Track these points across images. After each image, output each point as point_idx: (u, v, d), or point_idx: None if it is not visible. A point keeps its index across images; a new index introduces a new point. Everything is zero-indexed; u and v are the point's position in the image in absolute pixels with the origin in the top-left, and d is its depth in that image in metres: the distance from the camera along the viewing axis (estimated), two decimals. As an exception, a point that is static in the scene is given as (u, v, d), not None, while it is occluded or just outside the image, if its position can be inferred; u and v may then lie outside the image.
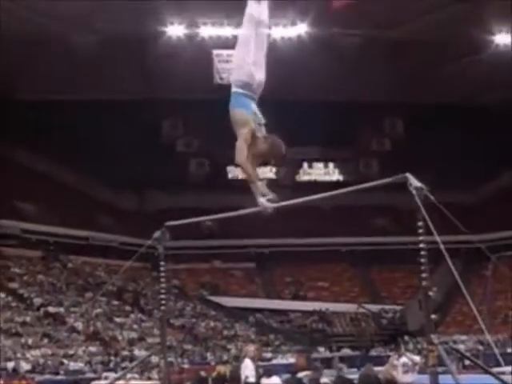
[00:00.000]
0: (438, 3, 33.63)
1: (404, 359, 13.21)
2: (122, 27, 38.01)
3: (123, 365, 28.09)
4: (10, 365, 26.34)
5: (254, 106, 7.05)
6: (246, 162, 6.68)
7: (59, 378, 26.54)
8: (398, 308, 42.52)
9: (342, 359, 31.11)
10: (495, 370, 6.42)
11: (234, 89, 7.21)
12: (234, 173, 54.01)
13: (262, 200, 6.66)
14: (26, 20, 35.66)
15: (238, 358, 28.34)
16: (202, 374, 20.86)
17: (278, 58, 42.11)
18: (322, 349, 36.76)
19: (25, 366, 26.72)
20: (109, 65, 41.17)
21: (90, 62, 40.10)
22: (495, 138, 45.37)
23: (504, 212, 44.84)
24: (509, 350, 31.25)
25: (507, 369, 6.22)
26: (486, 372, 6.18)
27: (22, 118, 41.13)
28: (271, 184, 52.76)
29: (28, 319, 32.28)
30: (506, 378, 6.08)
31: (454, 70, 42.44)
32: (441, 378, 6.01)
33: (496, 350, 6.76)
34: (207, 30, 40.79)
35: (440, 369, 6.01)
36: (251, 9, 7.56)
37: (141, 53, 41.35)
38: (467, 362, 20.53)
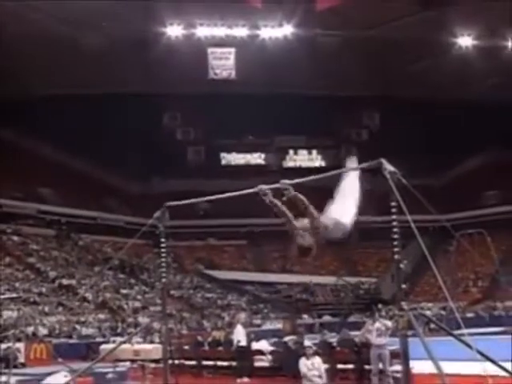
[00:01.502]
0: (407, 10, 33.73)
1: (378, 324, 13.23)
2: (126, 28, 37.79)
3: (129, 330, 28.21)
4: (30, 329, 26.58)
5: None
6: None
7: (72, 341, 26.69)
8: (373, 280, 42.76)
9: (323, 325, 31.26)
10: (456, 332, 6.46)
11: None
12: (226, 159, 54.08)
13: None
14: (35, 22, 35.36)
15: (231, 325, 28.49)
16: (199, 338, 20.89)
17: (266, 55, 42.21)
18: (305, 316, 36.92)
19: (42, 331, 26.94)
20: (114, 62, 40.92)
21: (98, 60, 39.85)
22: (458, 130, 45.43)
23: (466, 194, 45.10)
24: (468, 315, 31.56)
25: (466, 331, 6.26)
26: (449, 334, 6.22)
27: (39, 113, 40.95)
28: (260, 170, 53.07)
29: (44, 290, 32.38)
30: (465, 338, 6.12)
31: (423, 69, 42.60)
32: (410, 340, 6.05)
33: (457, 315, 6.78)
34: (203, 30, 40.59)
35: (409, 332, 6.05)
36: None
37: (143, 51, 41.11)
38: (433, 326, 20.64)
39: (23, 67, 38.77)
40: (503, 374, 6.26)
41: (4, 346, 21.94)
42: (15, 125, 42.55)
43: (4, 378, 14.11)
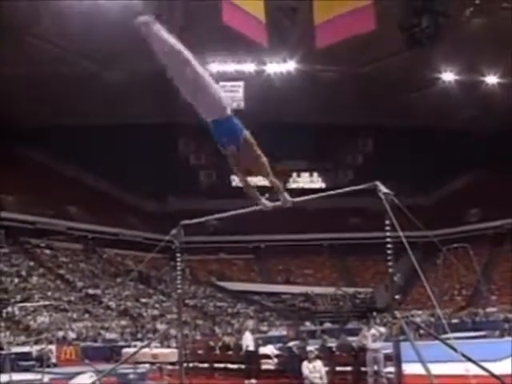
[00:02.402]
0: (396, 48, 33.99)
1: (373, 331, 13.20)
2: (145, 63, 37.99)
3: (148, 336, 28.12)
4: (61, 333, 26.68)
5: None
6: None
7: (98, 345, 26.67)
8: (369, 290, 42.49)
9: (323, 331, 31.07)
10: (443, 336, 6.47)
11: (230, 113, 5.96)
12: (236, 181, 54.10)
13: (263, 201, 6.62)
14: (62, 60, 35.81)
15: (240, 331, 28.37)
16: (211, 343, 20.84)
17: (272, 88, 42.40)
18: (307, 323, 36.72)
19: (71, 335, 26.98)
20: (135, 95, 41.16)
21: (121, 93, 40.10)
22: (446, 154, 45.51)
23: (451, 212, 44.99)
24: (453, 321, 31.38)
25: (452, 335, 6.27)
26: (436, 338, 6.23)
27: (68, 139, 41.20)
28: (266, 191, 52.82)
29: (73, 298, 32.40)
30: (450, 342, 6.12)
31: (411, 100, 42.80)
32: (402, 344, 6.05)
33: (444, 321, 6.80)
34: (215, 66, 40.82)
35: (401, 337, 6.05)
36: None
37: (160, 85, 41.27)
38: (422, 332, 20.54)
39: (55, 98, 39.07)
40: (484, 373, 6.26)
41: (38, 347, 22.02)
42: (47, 149, 42.89)
43: (39, 376, 14.16)
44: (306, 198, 7.61)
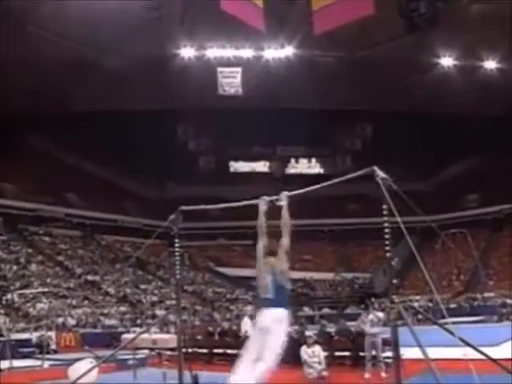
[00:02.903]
0: (395, 33, 33.85)
1: (371, 316, 13.21)
2: (145, 50, 37.93)
3: (147, 321, 28.20)
4: (60, 320, 26.72)
5: None
6: None
7: (97, 331, 26.76)
8: (367, 275, 42.60)
9: (322, 316, 31.18)
10: (441, 321, 6.48)
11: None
12: (234, 167, 54.07)
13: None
14: (62, 47, 35.72)
15: (239, 317, 28.46)
16: (210, 329, 20.86)
17: (269, 74, 42.28)
18: (306, 308, 36.83)
19: (71, 322, 27.06)
20: (134, 82, 41.04)
21: (120, 80, 39.98)
22: (444, 139, 45.45)
23: (449, 198, 45.03)
24: (451, 306, 31.51)
25: (450, 320, 6.28)
26: (434, 323, 6.24)
27: (66, 126, 41.13)
28: (265, 176, 52.99)
29: (72, 285, 32.46)
30: (448, 326, 6.14)
31: (409, 85, 42.70)
32: (400, 329, 6.07)
33: (442, 306, 6.83)
34: (213, 52, 40.69)
35: (399, 322, 6.07)
36: None
37: (160, 71, 41.19)
38: (420, 316, 20.61)
39: (55, 86, 38.95)
40: (482, 357, 6.28)
41: (38, 334, 22.10)
42: (46, 137, 42.79)
43: (39, 362, 14.21)
44: (306, 190, 7.62)
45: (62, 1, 30.97)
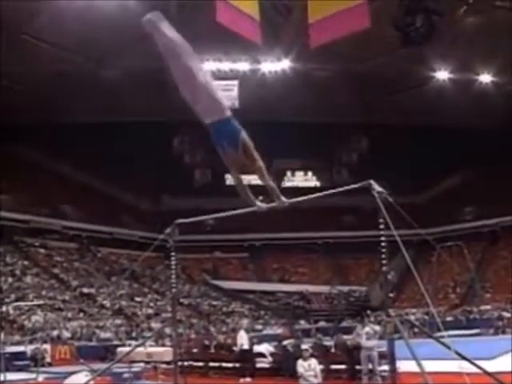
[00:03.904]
0: (390, 47, 34.00)
1: (367, 329, 13.23)
2: (142, 62, 38.06)
3: (142, 335, 28.11)
4: (55, 333, 26.55)
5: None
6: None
7: (92, 344, 26.64)
8: (363, 288, 42.54)
9: (318, 330, 31.12)
10: (437, 334, 6.49)
11: (229, 115, 5.94)
12: (230, 180, 54.02)
13: (258, 203, 6.59)
14: (58, 58, 35.80)
15: (235, 330, 28.39)
16: (206, 342, 20.83)
17: (266, 87, 42.41)
18: (302, 321, 36.75)
19: (66, 334, 26.89)
20: (130, 94, 41.14)
21: (115, 92, 40.07)
22: (440, 152, 45.57)
23: (445, 210, 45.10)
24: (448, 319, 31.52)
25: (446, 333, 6.29)
26: (430, 337, 6.25)
27: (63, 138, 41.12)
28: (261, 189, 52.99)
29: (67, 297, 32.32)
30: (444, 340, 6.15)
31: (405, 99, 42.89)
32: (396, 342, 6.07)
33: (438, 319, 6.82)
34: (209, 65, 40.80)
35: (396, 335, 6.07)
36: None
37: (156, 83, 41.31)
38: (416, 330, 20.59)
39: (51, 96, 39.03)
40: (478, 371, 6.29)
41: (33, 347, 22.01)
42: (42, 148, 42.78)
43: (34, 375, 14.14)
44: (301, 198, 7.61)
45: (59, 10, 31.02)
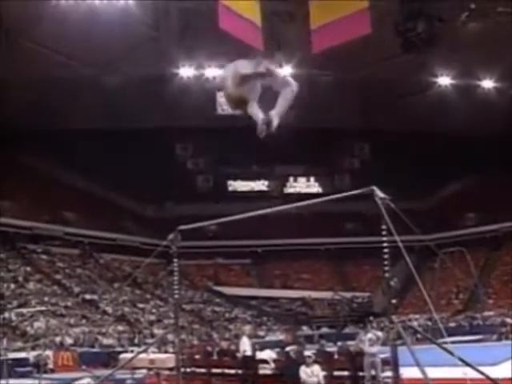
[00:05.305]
0: (392, 53, 34.04)
1: (370, 335, 13.20)
2: (144, 69, 38.18)
3: (145, 341, 28.07)
4: (58, 339, 26.55)
5: None
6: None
7: (95, 350, 26.64)
8: (366, 295, 42.44)
9: (321, 336, 31.07)
10: (440, 340, 6.47)
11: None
12: (233, 186, 54.05)
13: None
14: (59, 64, 35.91)
15: (237, 336, 28.33)
16: (208, 348, 20.78)
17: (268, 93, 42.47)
18: (305, 328, 36.69)
19: (68, 340, 26.90)
20: (132, 100, 41.24)
21: (117, 98, 40.17)
22: (442, 158, 45.53)
23: (447, 216, 45.05)
24: (451, 325, 31.45)
25: (449, 339, 6.28)
26: (433, 343, 6.24)
27: (64, 145, 41.17)
28: (264, 195, 52.87)
29: (69, 304, 32.30)
30: (447, 346, 6.13)
31: (407, 104, 42.94)
32: (399, 348, 6.07)
33: (441, 325, 6.82)
34: (211, 71, 40.89)
35: (398, 342, 6.06)
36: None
37: (158, 90, 41.41)
38: (419, 336, 20.55)
39: (52, 103, 39.11)
40: (481, 377, 6.28)
41: (35, 353, 21.99)
42: (44, 155, 42.80)
43: (36, 382, 14.13)
44: (305, 203, 7.62)
45: (60, 17, 31.13)
